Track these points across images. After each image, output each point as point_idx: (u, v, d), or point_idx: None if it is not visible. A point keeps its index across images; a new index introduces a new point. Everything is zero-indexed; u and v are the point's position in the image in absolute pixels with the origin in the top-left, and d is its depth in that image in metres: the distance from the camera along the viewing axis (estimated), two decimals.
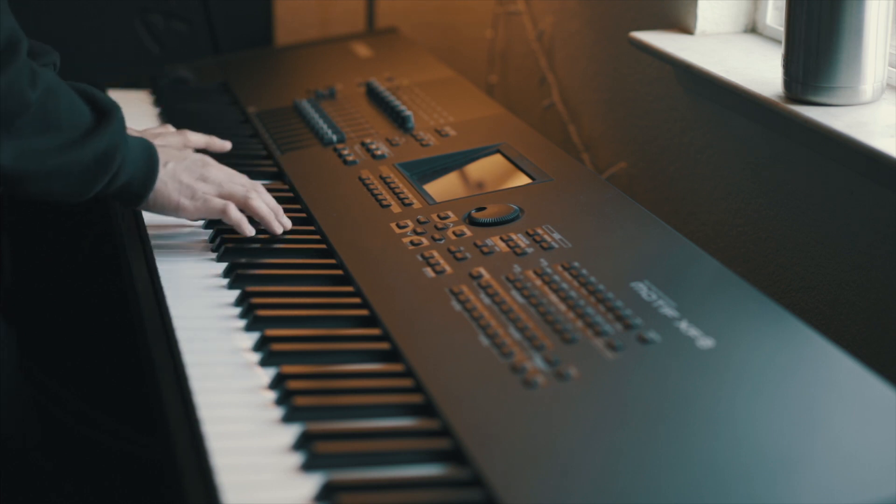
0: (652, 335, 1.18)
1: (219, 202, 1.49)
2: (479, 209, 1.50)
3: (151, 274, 1.43)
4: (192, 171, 1.49)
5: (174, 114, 1.99)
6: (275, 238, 1.51)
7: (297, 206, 1.61)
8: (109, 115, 1.39)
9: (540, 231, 1.42)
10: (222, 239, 1.49)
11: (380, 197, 1.58)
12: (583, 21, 2.18)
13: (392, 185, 1.62)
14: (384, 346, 1.24)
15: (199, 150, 1.69)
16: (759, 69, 1.69)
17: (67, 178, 1.36)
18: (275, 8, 2.51)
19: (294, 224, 1.56)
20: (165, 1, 2.32)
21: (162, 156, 1.47)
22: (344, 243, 1.47)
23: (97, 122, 1.38)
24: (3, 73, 1.28)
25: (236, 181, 1.52)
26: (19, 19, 1.36)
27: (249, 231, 1.49)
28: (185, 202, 1.48)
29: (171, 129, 1.71)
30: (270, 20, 2.48)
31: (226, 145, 1.72)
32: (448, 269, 1.36)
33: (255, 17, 2.46)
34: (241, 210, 1.50)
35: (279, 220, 1.51)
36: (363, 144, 1.78)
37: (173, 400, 1.17)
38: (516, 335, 1.21)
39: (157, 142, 1.68)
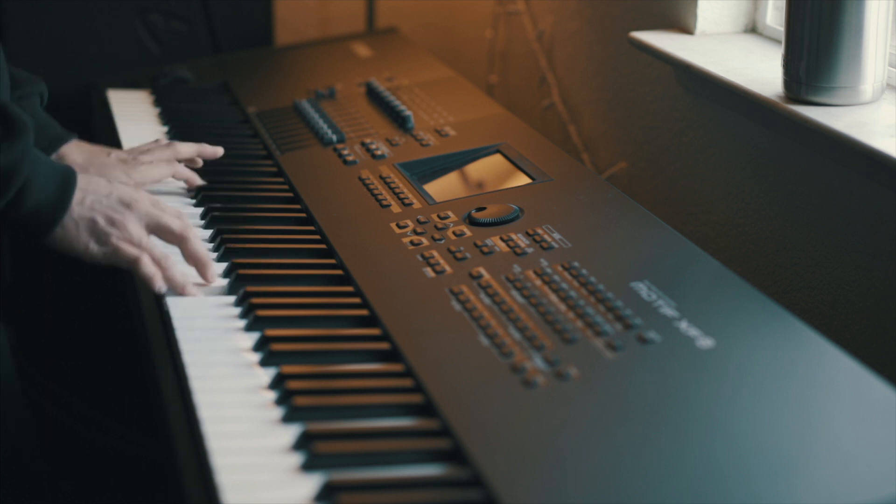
0: (652, 335, 1.18)
1: (131, 252, 1.35)
2: (479, 209, 1.50)
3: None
4: (112, 212, 1.36)
5: (174, 114, 1.99)
6: (275, 238, 1.51)
7: (297, 206, 1.61)
8: (14, 134, 1.30)
9: (540, 231, 1.42)
10: (222, 239, 1.49)
11: (380, 197, 1.58)
12: (583, 21, 2.18)
13: (392, 185, 1.62)
14: (384, 346, 1.24)
15: (188, 162, 1.68)
16: (759, 69, 1.69)
17: None
18: (275, 8, 2.51)
19: (294, 224, 1.57)
20: (165, 1, 2.32)
21: (80, 189, 1.35)
22: (344, 243, 1.47)
23: (2, 139, 1.29)
24: None
25: (166, 217, 1.38)
26: (20, 19, 1.35)
27: (157, 288, 1.35)
28: (94, 248, 1.35)
29: (162, 141, 1.68)
30: (270, 20, 2.48)
31: (217, 151, 1.69)
32: (448, 269, 1.36)
33: (255, 17, 2.46)
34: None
35: (207, 273, 1.38)
36: (363, 144, 1.78)
37: (173, 400, 1.17)
38: (516, 335, 1.21)
39: (144, 158, 1.63)
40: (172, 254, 1.39)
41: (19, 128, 1.31)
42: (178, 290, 1.35)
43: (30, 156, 1.31)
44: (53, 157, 1.60)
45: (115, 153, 1.64)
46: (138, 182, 1.59)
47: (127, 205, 1.38)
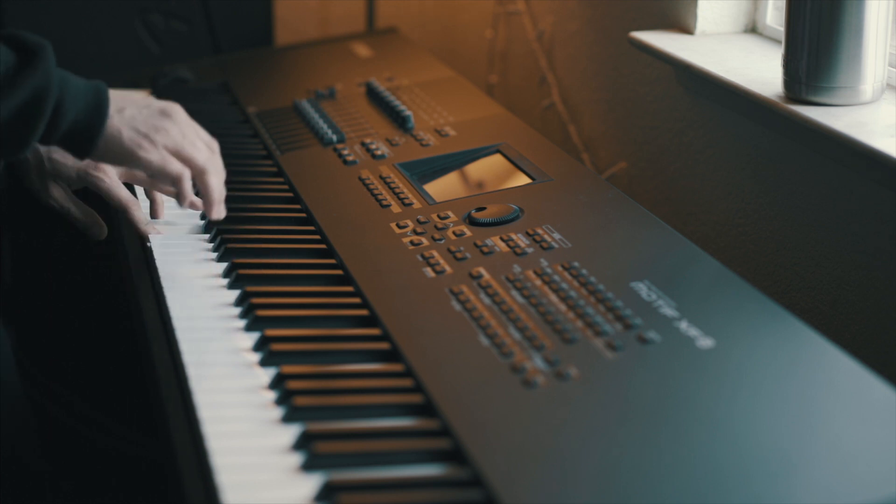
0: (652, 335, 1.18)
1: (176, 167, 1.37)
2: (479, 209, 1.50)
3: (151, 274, 1.43)
4: (153, 120, 1.37)
5: None
6: (275, 238, 1.51)
7: (297, 206, 1.61)
8: (35, 57, 1.28)
9: (540, 231, 1.42)
10: (222, 239, 1.49)
11: (380, 197, 1.58)
12: (583, 21, 2.18)
13: (392, 185, 1.62)
14: (384, 346, 1.24)
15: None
16: (759, 69, 1.69)
17: None
18: (275, 8, 2.51)
19: (294, 224, 1.57)
20: (165, 1, 2.32)
21: (116, 101, 1.36)
22: (344, 243, 1.47)
23: (21, 67, 1.28)
24: None
25: (198, 144, 1.40)
26: (20, 19, 1.35)
27: (183, 206, 1.41)
28: (141, 154, 1.35)
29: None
30: (270, 20, 2.48)
31: (221, 214, 1.68)
32: (448, 269, 1.36)
33: (255, 17, 2.46)
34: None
35: (212, 211, 1.42)
36: (363, 144, 1.78)
37: (173, 400, 1.17)
38: (516, 335, 1.21)
39: None
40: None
41: (38, 50, 1.30)
42: (205, 209, 1.41)
43: (56, 74, 1.30)
44: None
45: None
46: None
47: (167, 114, 1.39)
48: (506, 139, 1.74)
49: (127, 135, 1.35)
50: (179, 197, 1.40)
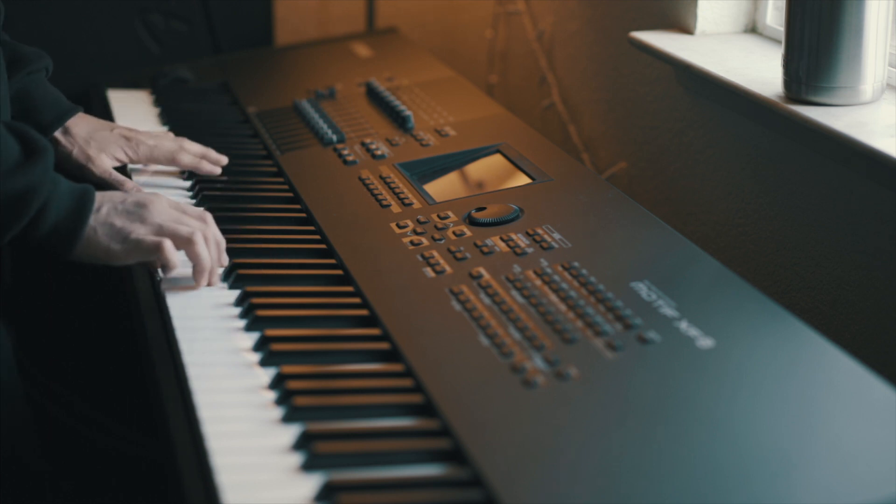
0: (652, 335, 1.18)
1: (152, 240, 1.36)
2: (479, 209, 1.50)
3: (151, 274, 1.43)
4: (129, 215, 1.37)
5: (174, 114, 1.99)
6: (275, 238, 1.51)
7: (297, 206, 1.61)
8: (37, 156, 1.32)
9: (540, 231, 1.42)
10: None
11: (380, 197, 1.59)
12: (583, 21, 2.18)
13: (392, 185, 1.62)
14: (384, 346, 1.24)
15: (188, 171, 1.71)
16: (759, 69, 1.69)
17: None
18: (275, 8, 2.51)
19: (294, 224, 1.57)
20: (165, 1, 2.32)
21: (97, 201, 1.36)
22: (344, 243, 1.47)
23: (24, 161, 1.31)
24: None
25: (183, 220, 1.40)
26: (20, 19, 1.36)
27: (167, 274, 1.39)
28: (116, 247, 1.35)
29: (170, 136, 1.73)
30: (270, 20, 2.48)
31: (222, 160, 1.72)
32: (448, 269, 1.36)
33: (255, 17, 2.46)
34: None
35: (219, 260, 1.41)
36: (363, 144, 1.78)
37: (173, 400, 1.17)
38: (516, 335, 1.21)
39: (150, 142, 1.69)
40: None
41: (40, 150, 1.33)
42: (194, 277, 1.38)
43: (49, 177, 1.33)
44: (59, 130, 1.66)
45: (118, 129, 1.70)
46: (142, 158, 1.68)
47: (143, 205, 1.38)
48: (506, 139, 1.74)
49: (103, 232, 1.35)
50: (163, 269, 1.38)
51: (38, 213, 1.32)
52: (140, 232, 1.36)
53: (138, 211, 1.38)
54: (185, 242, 1.38)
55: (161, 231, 1.37)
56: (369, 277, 1.38)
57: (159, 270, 1.39)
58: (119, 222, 1.36)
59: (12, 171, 1.30)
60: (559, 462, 1.02)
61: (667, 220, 1.65)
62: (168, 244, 1.36)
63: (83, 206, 1.35)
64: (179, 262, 1.38)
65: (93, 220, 1.35)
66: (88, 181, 1.54)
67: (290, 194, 1.65)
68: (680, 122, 1.91)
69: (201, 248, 1.38)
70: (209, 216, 1.43)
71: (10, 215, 1.30)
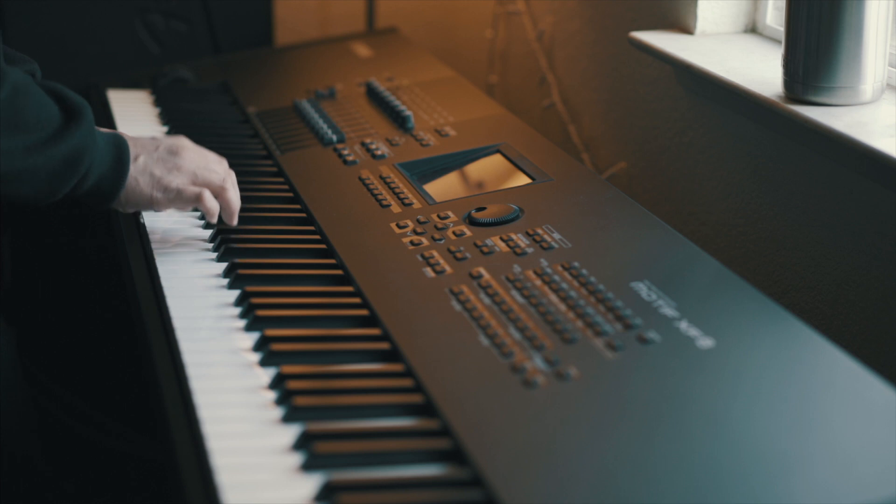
0: (652, 335, 1.18)
1: (193, 190, 1.46)
2: (479, 209, 1.50)
3: (151, 274, 1.43)
4: (165, 163, 1.45)
5: (174, 114, 1.99)
6: (275, 238, 1.51)
7: (297, 206, 1.61)
8: (79, 116, 1.35)
9: (540, 231, 1.42)
10: (222, 239, 1.49)
11: (380, 197, 1.59)
12: (583, 21, 2.18)
13: (392, 185, 1.62)
14: (384, 346, 1.24)
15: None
16: (759, 69, 1.69)
17: (34, 180, 1.32)
18: (275, 8, 2.51)
19: (294, 224, 1.57)
20: (165, 1, 2.33)
21: (132, 150, 1.43)
22: (344, 243, 1.47)
23: (66, 123, 1.34)
24: None
25: (212, 167, 1.49)
26: (20, 19, 1.36)
27: (214, 220, 1.49)
28: (158, 195, 1.44)
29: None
30: (270, 20, 2.48)
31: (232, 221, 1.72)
32: (448, 269, 1.36)
33: (255, 17, 2.46)
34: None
35: (232, 220, 1.51)
36: (363, 144, 1.78)
37: (173, 400, 1.17)
38: (516, 335, 1.21)
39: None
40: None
41: (80, 109, 1.36)
42: (226, 218, 1.50)
43: (93, 136, 1.37)
44: None
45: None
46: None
47: (175, 152, 1.46)
48: (506, 139, 1.74)
49: (144, 182, 1.43)
50: (207, 215, 1.48)
51: (84, 173, 1.36)
52: (179, 181, 1.45)
53: (172, 159, 1.46)
54: (218, 189, 1.48)
55: (196, 179, 1.46)
56: (369, 277, 1.38)
57: (213, 220, 1.49)
58: (158, 171, 1.44)
59: (59, 133, 1.33)
60: (559, 462, 1.02)
61: (667, 220, 1.65)
62: (207, 194, 1.46)
63: (122, 159, 1.41)
64: (218, 212, 1.49)
65: (133, 170, 1.42)
66: None
67: (290, 194, 1.65)
68: (680, 122, 1.91)
69: (231, 194, 1.49)
70: (225, 160, 1.53)
71: (58, 179, 1.34)
